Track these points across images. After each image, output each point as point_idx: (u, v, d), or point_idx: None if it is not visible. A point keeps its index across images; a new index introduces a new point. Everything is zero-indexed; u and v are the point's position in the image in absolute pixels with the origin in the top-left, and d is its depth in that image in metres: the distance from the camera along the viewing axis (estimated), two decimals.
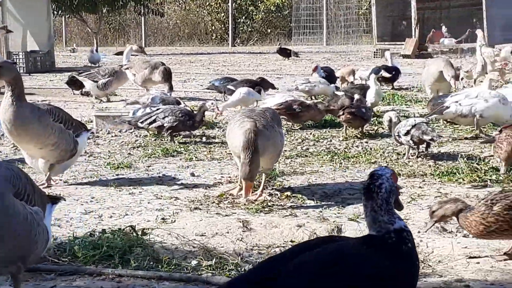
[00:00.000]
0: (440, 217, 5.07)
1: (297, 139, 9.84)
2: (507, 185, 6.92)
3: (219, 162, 8.43)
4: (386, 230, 3.30)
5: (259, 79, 13.81)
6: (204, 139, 9.85)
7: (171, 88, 13.85)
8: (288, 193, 6.92)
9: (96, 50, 24.56)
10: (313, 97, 13.23)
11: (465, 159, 7.78)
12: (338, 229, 5.96)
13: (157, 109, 9.84)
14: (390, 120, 8.71)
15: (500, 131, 8.28)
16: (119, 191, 7.14)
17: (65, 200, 5.03)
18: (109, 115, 10.96)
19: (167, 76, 13.93)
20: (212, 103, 9.99)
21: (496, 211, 4.93)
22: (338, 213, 6.36)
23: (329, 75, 14.25)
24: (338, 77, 14.78)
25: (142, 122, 9.63)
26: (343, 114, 9.69)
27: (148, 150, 9.09)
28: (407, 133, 8.21)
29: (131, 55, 16.15)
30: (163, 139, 9.76)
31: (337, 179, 7.51)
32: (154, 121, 9.59)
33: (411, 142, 8.19)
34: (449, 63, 12.03)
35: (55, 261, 5.01)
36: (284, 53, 23.55)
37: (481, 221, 4.92)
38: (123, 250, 5.08)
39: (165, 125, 9.52)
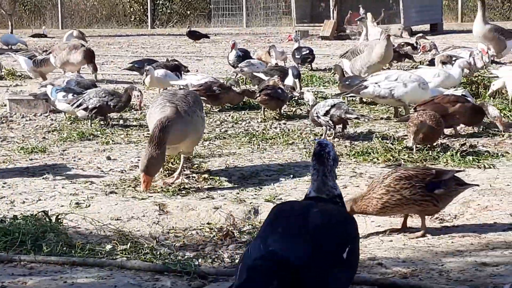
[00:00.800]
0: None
1: (215, 121, 9.81)
2: (419, 163, 7.06)
3: (136, 146, 8.34)
4: (333, 194, 3.63)
5: (172, 61, 13.65)
6: (121, 122, 9.73)
7: (95, 69, 13.60)
8: (206, 175, 6.90)
9: (11, 32, 23.91)
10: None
11: (380, 139, 7.90)
12: (255, 210, 5.99)
13: (85, 93, 9.70)
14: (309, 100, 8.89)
15: (415, 109, 8.45)
16: (32, 176, 6.99)
17: None
18: (23, 98, 10.72)
19: (89, 56, 13.59)
20: (138, 96, 9.83)
21: (386, 183, 5.14)
22: (255, 194, 6.38)
23: (245, 55, 14.23)
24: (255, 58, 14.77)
25: (72, 105, 9.48)
26: (259, 95, 9.71)
27: (63, 134, 8.92)
28: (327, 113, 8.25)
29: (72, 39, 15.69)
30: (79, 123, 9.60)
31: (255, 161, 7.53)
32: (81, 104, 9.43)
33: (330, 122, 8.23)
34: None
35: None
36: (194, 35, 23.48)
37: (374, 196, 5.08)
38: (35, 236, 4.98)
39: (89, 106, 9.36)
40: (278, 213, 3.55)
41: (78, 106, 9.44)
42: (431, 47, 15.06)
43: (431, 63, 13.05)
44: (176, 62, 13.39)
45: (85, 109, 9.41)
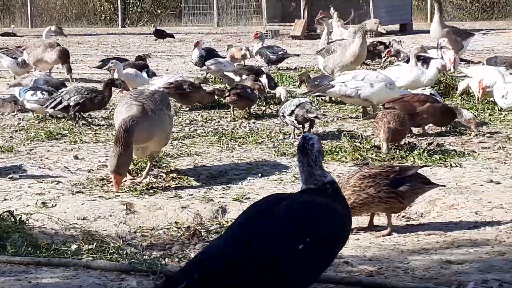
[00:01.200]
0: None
1: (185, 120, 9.79)
2: (387, 162, 7.09)
3: (104, 145, 8.29)
4: (322, 182, 3.69)
5: (140, 59, 13.58)
6: (90, 120, 9.66)
7: (69, 70, 13.49)
8: (174, 174, 6.88)
9: None
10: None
11: (348, 138, 7.91)
12: (222, 209, 5.98)
13: (61, 91, 9.62)
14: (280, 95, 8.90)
15: (383, 106, 8.50)
16: None
17: None
18: None
19: (64, 56, 13.47)
20: (120, 84, 9.76)
21: (351, 183, 5.16)
22: (223, 193, 6.37)
23: (210, 54, 14.09)
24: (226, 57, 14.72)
25: (47, 107, 9.38)
26: (229, 95, 9.69)
27: (31, 133, 8.85)
28: (292, 113, 8.28)
29: (50, 35, 15.50)
30: (47, 122, 9.52)
31: (224, 160, 7.52)
32: (60, 102, 9.35)
33: (295, 122, 8.26)
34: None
35: None
36: (160, 34, 23.41)
37: None
38: (0, 236, 4.93)
39: (71, 104, 9.28)
40: (251, 207, 3.67)
41: (55, 106, 9.35)
42: (395, 53, 15.03)
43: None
44: (142, 62, 13.35)
45: (66, 107, 9.32)
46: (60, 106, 9.34)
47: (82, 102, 9.28)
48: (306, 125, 8.45)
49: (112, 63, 11.86)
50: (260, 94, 10.04)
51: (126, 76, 11.51)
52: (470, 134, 8.29)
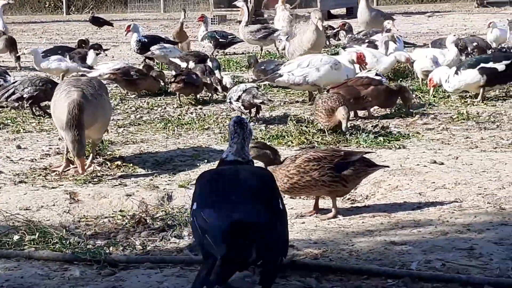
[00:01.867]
0: (253, 156, 5.19)
1: (131, 108, 9.70)
2: (333, 146, 7.12)
3: (48, 134, 8.17)
4: (248, 158, 4.07)
5: (82, 43, 13.36)
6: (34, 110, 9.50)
7: (18, 58, 13.26)
8: (119, 162, 6.82)
9: None
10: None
11: (294, 122, 7.93)
12: (168, 196, 5.94)
13: (15, 81, 9.43)
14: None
15: (328, 91, 8.52)
16: None
17: None
18: None
19: (11, 44, 13.22)
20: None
21: (297, 163, 5.17)
22: (169, 180, 6.33)
23: (153, 42, 13.82)
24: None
25: (1, 97, 9.19)
26: (173, 83, 9.62)
27: None
28: (239, 98, 8.27)
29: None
30: None
31: (170, 147, 7.47)
32: (13, 93, 9.16)
33: (242, 107, 8.26)
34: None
35: None
36: (97, 22, 23.03)
37: (286, 173, 5.11)
38: None
39: (24, 96, 9.10)
40: (212, 181, 3.90)
41: (8, 97, 9.17)
42: (347, 28, 15.02)
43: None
44: (84, 45, 13.15)
45: (19, 98, 9.14)
46: (14, 97, 9.18)
47: (36, 95, 9.12)
48: (253, 111, 8.45)
49: (26, 49, 11.62)
50: (210, 90, 9.98)
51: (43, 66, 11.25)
52: (414, 115, 8.37)
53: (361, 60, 9.48)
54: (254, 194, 3.79)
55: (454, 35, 10.72)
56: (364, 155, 5.35)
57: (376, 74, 8.87)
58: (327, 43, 15.69)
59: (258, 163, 5.18)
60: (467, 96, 9.33)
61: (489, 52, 11.34)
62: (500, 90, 9.56)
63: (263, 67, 10.69)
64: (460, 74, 8.98)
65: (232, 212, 3.68)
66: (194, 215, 3.81)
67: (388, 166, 5.85)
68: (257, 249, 3.60)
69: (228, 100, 8.41)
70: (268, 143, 7.34)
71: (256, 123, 8.36)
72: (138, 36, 13.71)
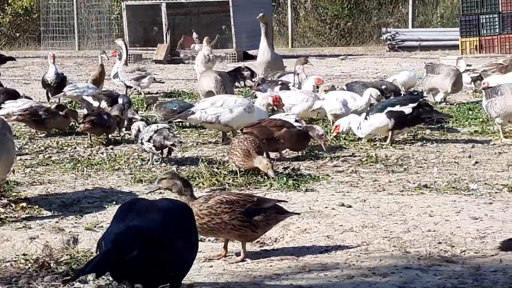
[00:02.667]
0: (165, 187, 5.24)
1: (39, 147, 9.51)
2: (244, 187, 7.12)
3: None
4: None
5: None
6: None
7: None
8: (24, 204, 6.64)
9: None
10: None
11: (206, 163, 7.90)
12: (74, 239, 5.81)
13: None
14: (139, 130, 8.65)
15: (242, 130, 8.55)
16: None
17: None
18: None
19: None
20: None
21: (210, 204, 5.15)
22: (75, 222, 6.21)
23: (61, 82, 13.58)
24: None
25: None
26: (82, 123, 9.48)
27: None
28: (150, 139, 8.21)
29: None
30: None
31: (78, 188, 7.33)
32: None
33: (153, 148, 8.20)
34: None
35: None
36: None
37: (197, 211, 5.08)
38: None
39: None
40: (125, 206, 4.25)
41: None
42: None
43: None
44: None
45: None
46: None
47: None
48: (165, 151, 8.40)
49: None
50: (121, 125, 9.91)
51: None
52: (325, 158, 8.46)
53: (277, 102, 9.56)
54: (165, 215, 4.10)
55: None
56: (276, 203, 5.36)
57: (296, 120, 8.84)
58: (243, 83, 15.80)
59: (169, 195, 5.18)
60: (377, 139, 9.50)
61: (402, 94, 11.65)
62: (409, 133, 9.78)
63: (163, 106, 10.81)
64: (369, 119, 9.15)
65: (131, 222, 3.99)
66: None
67: (298, 213, 5.83)
68: (148, 252, 3.87)
69: (139, 141, 8.34)
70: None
71: (168, 163, 8.30)
72: (55, 68, 13.53)
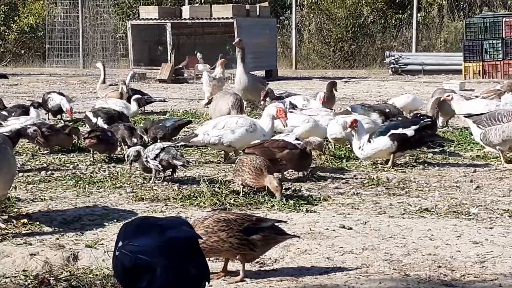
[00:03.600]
0: None
1: (42, 164, 9.54)
2: (245, 207, 7.13)
3: None
4: None
5: None
6: None
7: None
8: (25, 220, 6.65)
9: None
10: None
11: (207, 183, 7.92)
12: (74, 256, 5.82)
13: None
14: (139, 154, 8.49)
15: (244, 151, 8.56)
16: None
17: None
18: None
19: None
20: None
21: (206, 224, 5.16)
22: (76, 239, 6.21)
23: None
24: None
25: None
26: (87, 137, 9.52)
27: None
28: (156, 157, 8.20)
29: None
30: None
31: (79, 205, 7.34)
32: None
33: (159, 166, 8.18)
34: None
35: None
36: None
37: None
38: None
39: None
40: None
41: None
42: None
43: None
44: None
45: None
46: None
47: None
48: (169, 171, 8.39)
49: None
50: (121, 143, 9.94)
51: None
52: (326, 180, 8.47)
53: (281, 114, 9.48)
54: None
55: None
56: (275, 223, 5.37)
57: (296, 138, 8.86)
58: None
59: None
60: (378, 162, 9.51)
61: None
62: (410, 157, 9.79)
63: (160, 125, 10.72)
64: (373, 142, 9.16)
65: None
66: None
67: (298, 236, 5.78)
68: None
69: (144, 159, 8.30)
70: (180, 204, 7.36)
71: (170, 182, 8.31)
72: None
